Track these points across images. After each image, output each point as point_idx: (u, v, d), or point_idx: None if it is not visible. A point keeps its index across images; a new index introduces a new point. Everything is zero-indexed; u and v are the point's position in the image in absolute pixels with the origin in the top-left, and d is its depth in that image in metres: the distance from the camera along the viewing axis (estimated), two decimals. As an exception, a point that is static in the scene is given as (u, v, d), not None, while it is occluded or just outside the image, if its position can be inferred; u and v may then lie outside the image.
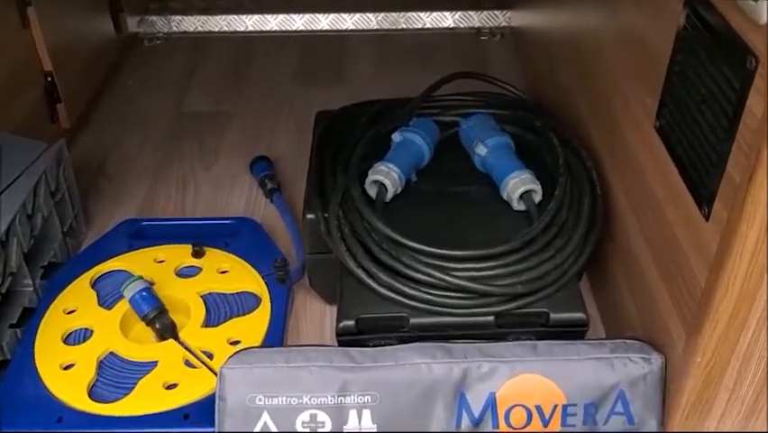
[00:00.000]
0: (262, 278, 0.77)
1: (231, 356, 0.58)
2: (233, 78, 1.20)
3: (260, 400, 0.56)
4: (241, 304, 0.74)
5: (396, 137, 0.74)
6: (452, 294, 0.60)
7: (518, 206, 0.68)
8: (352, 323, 0.62)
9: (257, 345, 0.69)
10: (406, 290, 0.61)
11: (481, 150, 0.72)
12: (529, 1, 1.17)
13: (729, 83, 0.46)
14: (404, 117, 0.79)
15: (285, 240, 0.85)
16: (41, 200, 0.75)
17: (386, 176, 0.68)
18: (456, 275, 0.60)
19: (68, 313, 0.73)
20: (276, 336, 0.71)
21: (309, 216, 0.69)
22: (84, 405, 0.64)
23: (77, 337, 0.71)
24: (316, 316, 0.77)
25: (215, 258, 0.79)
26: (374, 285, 0.62)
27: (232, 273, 0.78)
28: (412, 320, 0.62)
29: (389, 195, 0.68)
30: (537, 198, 0.67)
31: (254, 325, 0.72)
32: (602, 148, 0.73)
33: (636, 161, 0.64)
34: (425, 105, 0.82)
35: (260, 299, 0.75)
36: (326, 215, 0.67)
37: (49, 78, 0.96)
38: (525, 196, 0.67)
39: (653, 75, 0.57)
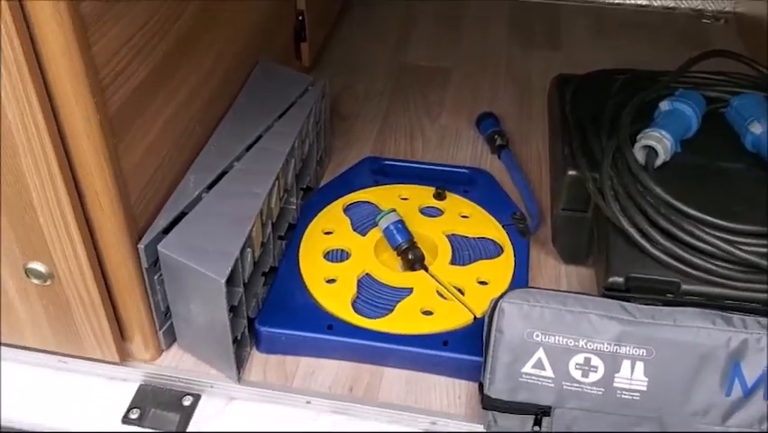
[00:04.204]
0: (502, 227, 0.80)
1: (507, 292, 0.61)
2: (448, 35, 1.23)
3: (537, 336, 0.59)
4: (484, 249, 0.78)
5: (664, 105, 0.74)
6: (734, 267, 0.61)
7: (795, 191, 0.67)
8: (621, 280, 0.63)
9: (504, 288, 0.73)
10: (685, 255, 0.61)
11: (757, 128, 0.70)
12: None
13: None
14: (662, 89, 0.78)
15: (512, 196, 0.87)
16: (310, 128, 0.81)
17: (658, 142, 0.68)
18: (744, 249, 0.60)
19: (326, 233, 0.79)
20: (521, 285, 0.74)
21: (571, 172, 0.71)
22: (350, 317, 0.69)
23: (335, 256, 0.77)
24: (552, 274, 0.78)
25: (456, 203, 0.83)
26: (648, 246, 0.63)
27: (472, 219, 0.81)
28: (684, 286, 0.62)
29: (659, 162, 0.69)
30: (818, 185, 0.66)
31: (500, 269, 0.75)
32: None
33: None
34: (678, 81, 0.82)
35: (502, 248, 0.78)
36: (595, 174, 0.69)
37: (300, 18, 1.02)
38: (806, 182, 0.66)
39: None
